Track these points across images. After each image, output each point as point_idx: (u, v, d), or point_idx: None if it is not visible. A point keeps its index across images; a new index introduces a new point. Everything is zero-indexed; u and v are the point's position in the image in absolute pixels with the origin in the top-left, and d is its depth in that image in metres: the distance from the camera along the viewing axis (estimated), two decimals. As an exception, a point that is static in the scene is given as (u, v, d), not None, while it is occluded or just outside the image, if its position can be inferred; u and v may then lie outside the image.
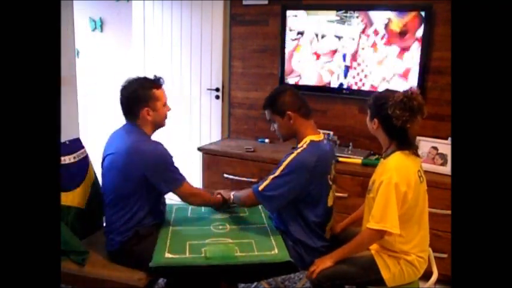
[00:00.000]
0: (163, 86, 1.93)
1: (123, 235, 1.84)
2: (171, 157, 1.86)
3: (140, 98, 1.83)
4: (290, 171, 1.78)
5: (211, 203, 2.08)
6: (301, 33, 3.02)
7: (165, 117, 1.94)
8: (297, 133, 1.88)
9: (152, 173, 1.80)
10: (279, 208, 1.89)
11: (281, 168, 1.80)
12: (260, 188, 1.82)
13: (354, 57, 2.90)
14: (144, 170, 1.79)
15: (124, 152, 1.81)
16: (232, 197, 2.03)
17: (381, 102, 1.71)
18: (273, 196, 1.81)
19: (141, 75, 1.96)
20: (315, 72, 3.03)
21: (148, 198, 1.86)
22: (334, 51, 2.94)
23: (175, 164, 1.88)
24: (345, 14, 2.86)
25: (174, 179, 1.86)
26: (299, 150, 1.82)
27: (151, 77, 1.92)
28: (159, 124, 1.93)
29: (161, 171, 1.82)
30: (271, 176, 1.81)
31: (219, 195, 2.08)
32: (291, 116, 1.84)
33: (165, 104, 1.91)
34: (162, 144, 1.85)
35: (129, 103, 1.86)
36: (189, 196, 1.94)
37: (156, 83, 1.88)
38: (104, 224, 1.99)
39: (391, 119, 1.67)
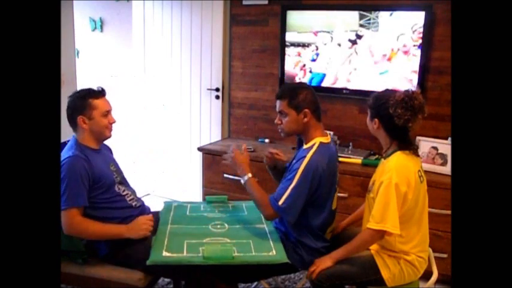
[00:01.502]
0: (107, 97, 1.89)
1: (106, 240, 1.84)
2: (77, 176, 1.75)
3: (76, 107, 1.85)
4: (306, 177, 1.75)
5: (101, 237, 1.83)
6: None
7: (107, 128, 1.88)
8: (305, 133, 1.86)
9: None
10: (297, 215, 1.82)
11: (297, 176, 1.76)
12: (280, 203, 1.77)
13: (354, 57, 2.90)
14: None
15: None
16: (247, 178, 1.88)
17: (381, 102, 1.71)
18: (291, 206, 1.77)
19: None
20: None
21: (96, 203, 1.82)
22: (343, 58, 2.95)
23: (81, 187, 1.75)
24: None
25: (62, 200, 1.73)
26: (310, 153, 1.78)
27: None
28: (98, 134, 1.87)
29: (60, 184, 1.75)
30: (290, 187, 1.76)
31: (122, 228, 1.81)
32: (307, 114, 1.82)
33: (105, 115, 1.87)
34: (73, 161, 1.76)
35: (68, 113, 1.87)
36: (67, 226, 1.74)
37: (94, 93, 1.87)
38: None
39: (393, 119, 1.67)
